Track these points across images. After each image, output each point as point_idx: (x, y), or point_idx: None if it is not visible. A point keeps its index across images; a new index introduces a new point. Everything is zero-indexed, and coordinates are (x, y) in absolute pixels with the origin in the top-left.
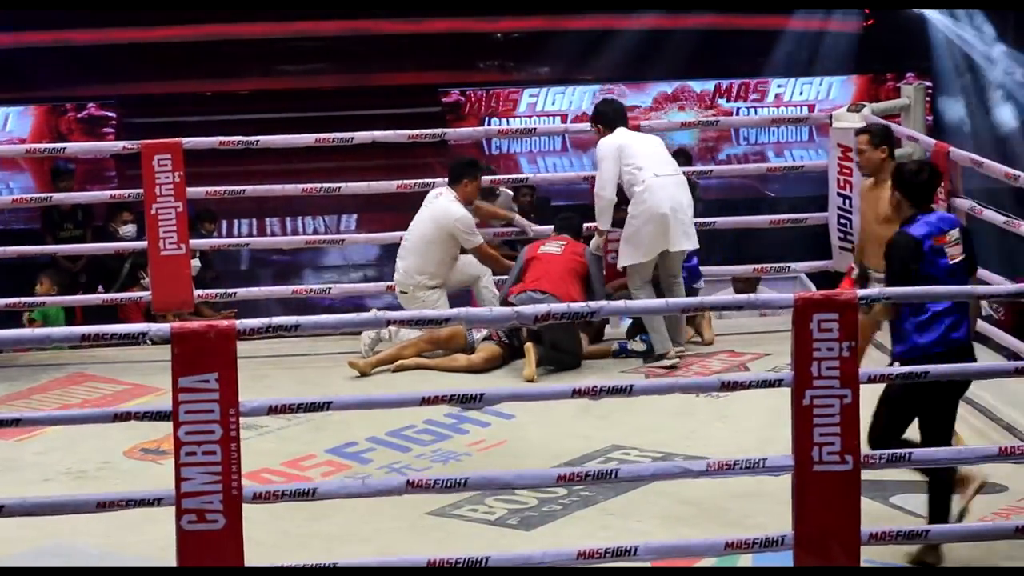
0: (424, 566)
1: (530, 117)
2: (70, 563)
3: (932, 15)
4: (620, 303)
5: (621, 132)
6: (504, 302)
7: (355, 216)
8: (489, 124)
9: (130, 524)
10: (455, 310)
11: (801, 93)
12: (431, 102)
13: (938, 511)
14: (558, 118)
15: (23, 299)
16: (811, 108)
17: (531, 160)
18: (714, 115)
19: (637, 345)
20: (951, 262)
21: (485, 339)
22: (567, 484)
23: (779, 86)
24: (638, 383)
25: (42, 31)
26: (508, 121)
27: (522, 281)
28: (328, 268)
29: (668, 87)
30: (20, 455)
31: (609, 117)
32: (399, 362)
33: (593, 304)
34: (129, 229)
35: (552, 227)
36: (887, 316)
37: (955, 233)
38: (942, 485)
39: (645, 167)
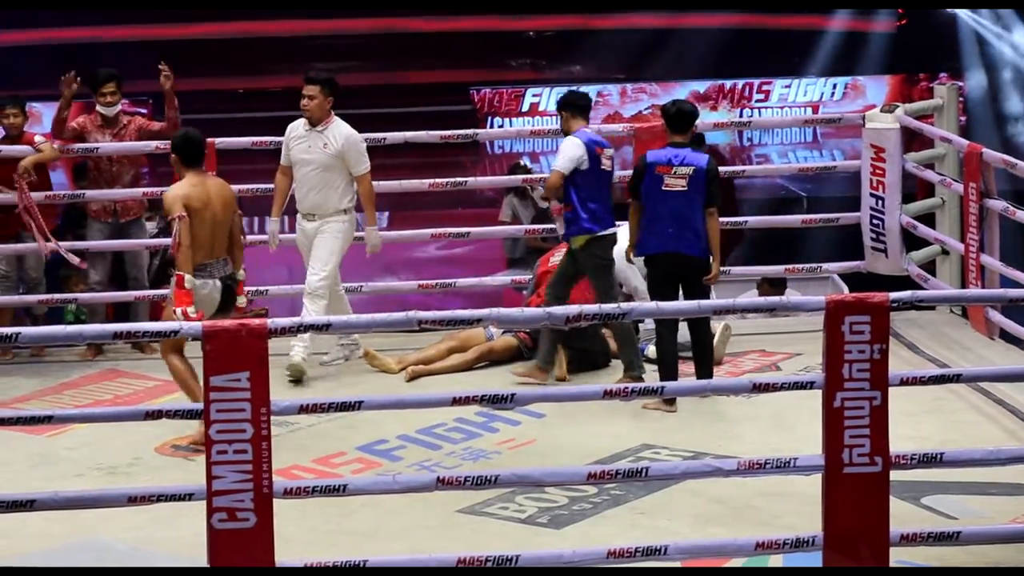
0: (454, 564)
1: (532, 116)
2: (101, 558)
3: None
4: (652, 304)
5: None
6: None
7: (387, 214)
8: (491, 125)
9: (161, 520)
10: (486, 310)
11: (805, 94)
12: (463, 100)
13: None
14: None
15: (55, 295)
16: (815, 108)
17: (533, 159)
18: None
19: (651, 351)
20: (667, 189)
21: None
22: (597, 482)
23: (784, 87)
24: (670, 384)
25: (74, 27)
26: (511, 121)
27: (537, 295)
28: None
29: (700, 86)
30: (52, 450)
31: (581, 106)
32: (416, 368)
33: (624, 305)
34: (150, 227)
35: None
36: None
37: (684, 169)
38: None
39: None
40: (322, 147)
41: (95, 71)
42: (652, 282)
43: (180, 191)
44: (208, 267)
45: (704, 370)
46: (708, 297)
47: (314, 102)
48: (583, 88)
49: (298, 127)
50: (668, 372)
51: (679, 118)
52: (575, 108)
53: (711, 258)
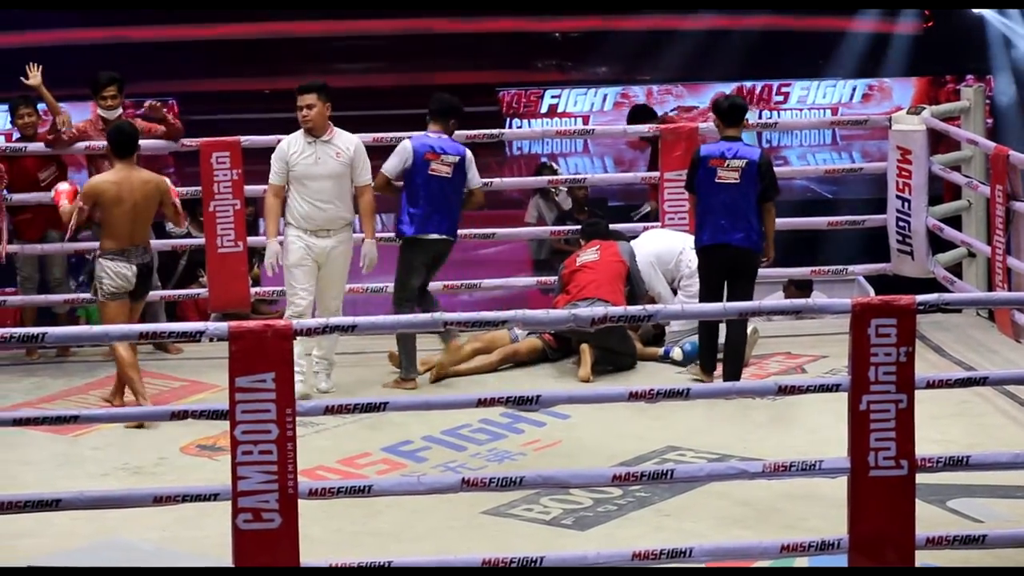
0: (479, 565)
1: (551, 118)
2: (126, 558)
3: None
4: (677, 306)
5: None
6: None
7: None
8: (510, 126)
9: (186, 520)
10: (511, 312)
11: (825, 96)
12: (489, 101)
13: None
14: (580, 119)
15: (79, 295)
16: (834, 111)
17: (552, 160)
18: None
19: (677, 354)
20: (720, 182)
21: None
22: (622, 484)
23: (803, 88)
24: (695, 386)
25: (99, 28)
26: (531, 123)
27: (566, 293)
28: None
29: (726, 88)
30: (77, 450)
31: (433, 110)
32: (438, 370)
33: (651, 308)
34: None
35: (581, 235)
36: None
37: (736, 162)
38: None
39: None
40: (335, 156)
41: (96, 74)
42: (703, 274)
43: (97, 182)
44: (126, 252)
45: (732, 371)
46: (752, 294)
47: (314, 111)
48: (603, 89)
49: (297, 142)
50: (706, 363)
51: (732, 112)
52: (430, 112)
53: (765, 247)
